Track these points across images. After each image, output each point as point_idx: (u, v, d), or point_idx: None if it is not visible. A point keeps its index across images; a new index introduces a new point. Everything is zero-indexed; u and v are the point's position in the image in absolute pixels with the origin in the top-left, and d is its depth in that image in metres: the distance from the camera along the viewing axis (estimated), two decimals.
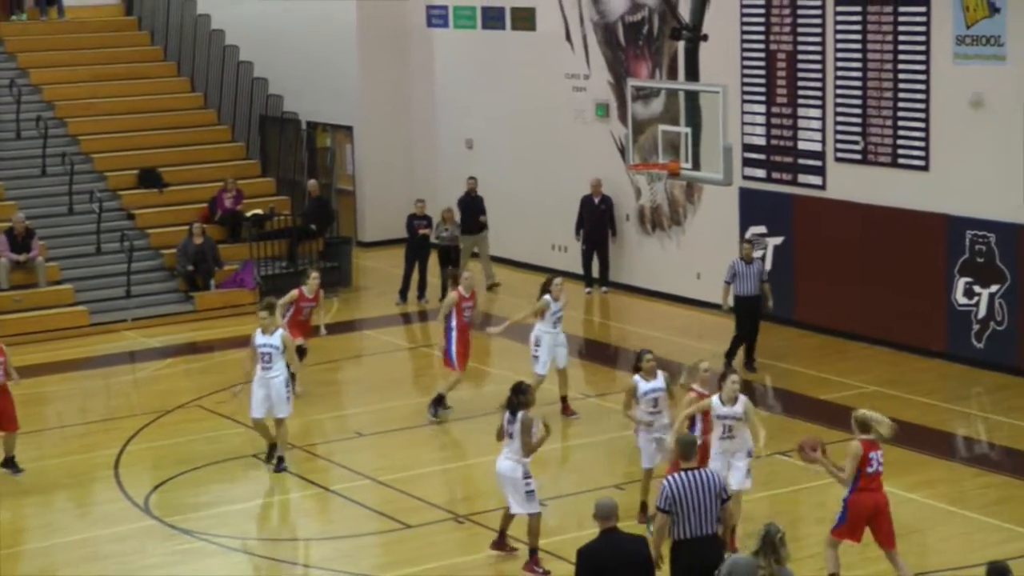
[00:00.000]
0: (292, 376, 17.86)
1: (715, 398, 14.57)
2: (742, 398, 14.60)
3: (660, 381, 15.48)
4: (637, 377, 15.53)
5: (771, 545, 10.51)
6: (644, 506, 15.33)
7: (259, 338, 17.32)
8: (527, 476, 14.24)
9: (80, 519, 16.74)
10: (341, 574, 14.67)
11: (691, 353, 18.79)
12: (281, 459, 17.53)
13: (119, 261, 25.90)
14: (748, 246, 21.30)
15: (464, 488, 17.19)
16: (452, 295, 19.34)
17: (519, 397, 14.30)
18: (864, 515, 13.30)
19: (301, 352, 19.94)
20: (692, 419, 14.68)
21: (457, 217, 26.42)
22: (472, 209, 26.94)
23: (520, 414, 14.22)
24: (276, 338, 17.30)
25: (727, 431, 14.54)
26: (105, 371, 22.78)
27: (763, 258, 23.00)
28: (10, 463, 17.64)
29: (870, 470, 13.24)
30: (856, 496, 13.28)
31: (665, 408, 15.50)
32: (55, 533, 16.06)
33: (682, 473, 12.00)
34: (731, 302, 20.92)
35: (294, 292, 20.14)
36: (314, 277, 20.31)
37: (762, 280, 20.85)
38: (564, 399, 19.34)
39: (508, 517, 14.57)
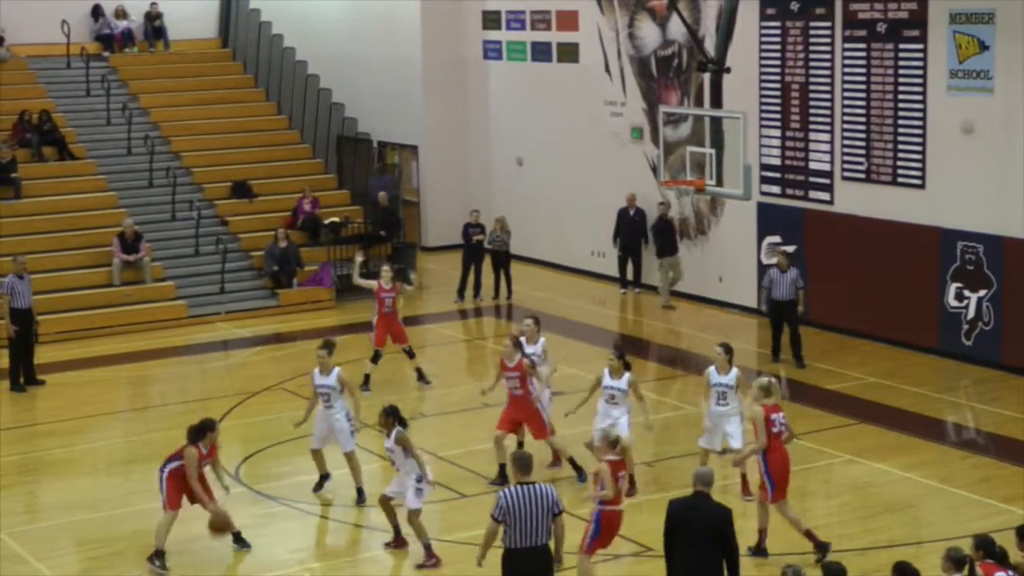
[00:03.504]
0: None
1: (711, 368, 15.50)
2: (734, 370, 15.37)
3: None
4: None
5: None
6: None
7: (317, 378, 15.86)
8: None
9: None
10: (407, 537, 14.73)
11: (713, 346, 18.65)
12: (360, 491, 15.75)
13: (214, 262, 26.04)
14: (783, 258, 20.96)
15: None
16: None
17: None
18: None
19: (410, 354, 20.19)
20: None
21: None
22: (666, 233, 25.31)
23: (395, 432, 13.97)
24: (332, 378, 15.78)
25: (721, 398, 15.33)
26: (201, 357, 22.90)
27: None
28: (238, 537, 14.60)
29: (774, 430, 13.65)
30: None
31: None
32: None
33: (517, 487, 11.54)
34: (765, 305, 20.92)
35: (374, 283, 20.25)
36: (386, 270, 20.39)
37: (797, 287, 20.67)
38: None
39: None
